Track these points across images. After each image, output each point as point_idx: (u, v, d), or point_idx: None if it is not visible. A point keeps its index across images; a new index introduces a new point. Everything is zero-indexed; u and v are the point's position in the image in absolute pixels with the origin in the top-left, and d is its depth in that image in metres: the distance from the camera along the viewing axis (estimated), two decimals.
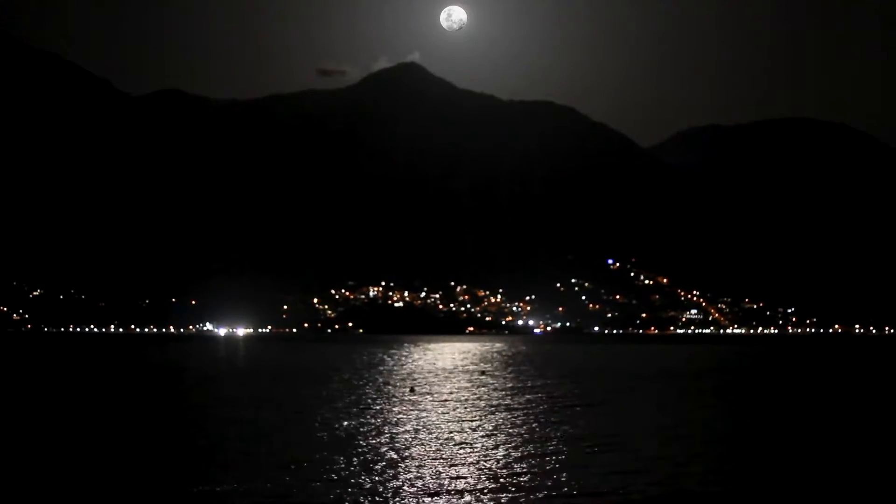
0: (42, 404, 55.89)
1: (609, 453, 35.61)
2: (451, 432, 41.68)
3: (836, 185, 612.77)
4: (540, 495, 27.90)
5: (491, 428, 43.45)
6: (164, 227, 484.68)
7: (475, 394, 63.95)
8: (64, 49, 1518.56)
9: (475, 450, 36.40)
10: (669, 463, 33.51)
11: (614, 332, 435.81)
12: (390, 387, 70.42)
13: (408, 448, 36.72)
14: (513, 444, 37.87)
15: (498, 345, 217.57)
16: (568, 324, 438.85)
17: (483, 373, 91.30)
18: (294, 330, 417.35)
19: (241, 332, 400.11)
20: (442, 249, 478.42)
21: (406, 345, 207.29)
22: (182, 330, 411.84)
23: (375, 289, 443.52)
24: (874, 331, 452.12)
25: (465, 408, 53.41)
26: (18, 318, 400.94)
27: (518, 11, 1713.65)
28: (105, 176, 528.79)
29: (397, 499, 27.33)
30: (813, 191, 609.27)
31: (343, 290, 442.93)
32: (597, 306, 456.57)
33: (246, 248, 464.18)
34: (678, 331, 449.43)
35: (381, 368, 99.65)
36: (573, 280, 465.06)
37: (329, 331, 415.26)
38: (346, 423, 45.33)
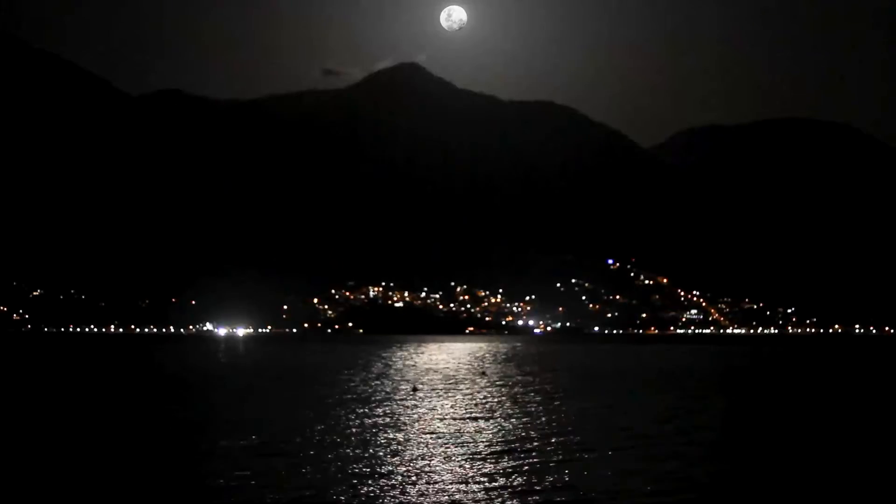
0: (42, 406, 55.84)
1: (610, 453, 35.59)
2: (452, 432, 41.66)
3: (836, 185, 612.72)
4: (542, 495, 27.85)
5: (492, 428, 43.42)
6: (164, 226, 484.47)
7: (476, 394, 63.90)
8: (63, 49, 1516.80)
9: (476, 449, 36.36)
10: (674, 464, 33.48)
11: (614, 332, 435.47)
12: (392, 386, 70.38)
13: (410, 448, 36.70)
14: (514, 445, 37.83)
15: (498, 345, 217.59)
16: (568, 324, 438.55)
17: (483, 373, 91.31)
18: (294, 330, 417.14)
19: (241, 332, 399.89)
20: (442, 249, 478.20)
21: (406, 345, 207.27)
22: (182, 330, 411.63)
23: (375, 289, 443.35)
24: (874, 331, 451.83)
25: (467, 407, 53.38)
26: (18, 318, 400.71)
27: (518, 11, 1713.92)
28: (105, 176, 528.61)
29: (399, 499, 27.29)
30: (813, 191, 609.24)
31: (343, 290, 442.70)
32: (597, 306, 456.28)
33: (246, 249, 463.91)
34: (678, 331, 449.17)
35: (383, 368, 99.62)
36: (573, 280, 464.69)
37: (329, 331, 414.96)
38: (347, 422, 45.29)
